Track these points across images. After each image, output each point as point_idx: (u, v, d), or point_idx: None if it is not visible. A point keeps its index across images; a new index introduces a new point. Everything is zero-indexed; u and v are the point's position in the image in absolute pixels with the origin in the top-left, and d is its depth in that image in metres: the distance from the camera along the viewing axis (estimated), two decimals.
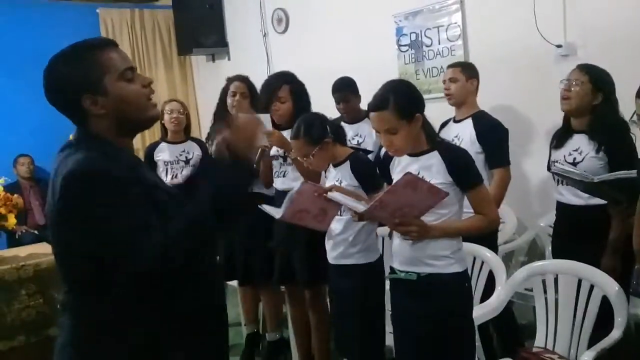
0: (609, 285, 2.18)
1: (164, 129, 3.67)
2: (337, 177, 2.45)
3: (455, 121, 3.09)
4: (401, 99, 1.94)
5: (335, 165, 2.49)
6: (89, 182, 1.23)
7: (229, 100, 3.28)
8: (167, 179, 3.57)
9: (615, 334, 2.10)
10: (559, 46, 3.26)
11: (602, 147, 2.45)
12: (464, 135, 2.98)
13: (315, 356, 2.95)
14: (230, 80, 3.33)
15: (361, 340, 2.42)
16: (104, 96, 1.32)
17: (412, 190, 1.80)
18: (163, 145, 3.67)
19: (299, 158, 2.52)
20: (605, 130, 2.46)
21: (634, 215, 1.93)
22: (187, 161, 3.64)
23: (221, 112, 3.39)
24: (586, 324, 2.25)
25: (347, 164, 2.45)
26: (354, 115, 3.62)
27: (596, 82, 2.49)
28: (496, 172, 2.91)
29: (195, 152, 3.68)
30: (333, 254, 2.48)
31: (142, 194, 1.28)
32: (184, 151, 3.66)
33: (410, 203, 1.84)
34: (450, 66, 3.15)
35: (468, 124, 3.00)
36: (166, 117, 3.63)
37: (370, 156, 3.11)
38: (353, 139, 3.59)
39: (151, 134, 4.58)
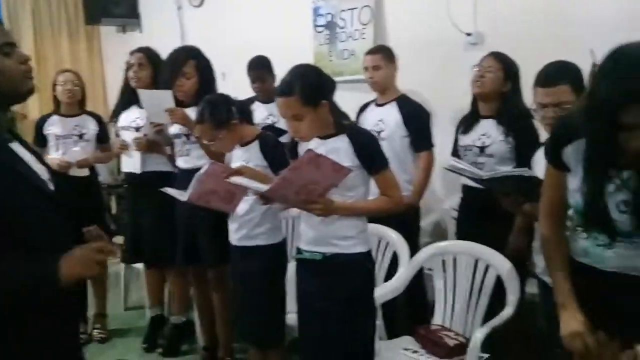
0: (502, 266, 2.27)
1: (56, 101, 3.43)
2: (245, 158, 2.39)
3: (378, 105, 3.10)
4: (307, 86, 1.92)
5: (242, 145, 2.43)
6: None
7: (129, 74, 3.12)
8: (58, 154, 3.33)
9: (507, 312, 2.19)
10: (468, 34, 3.36)
11: (510, 133, 2.56)
12: (389, 119, 3.00)
13: (219, 338, 2.90)
14: (132, 53, 3.16)
15: (261, 322, 2.40)
16: None
17: (315, 168, 1.78)
18: (55, 118, 3.40)
19: (205, 142, 2.44)
20: (513, 117, 2.57)
21: (523, 206, 2.03)
22: (80, 136, 3.41)
23: (127, 88, 3.23)
24: (481, 302, 2.34)
25: (256, 144, 2.40)
26: (269, 94, 3.55)
27: (507, 70, 2.60)
28: (422, 155, 2.97)
29: (90, 127, 3.44)
30: (237, 235, 2.43)
31: None
32: (77, 125, 3.40)
33: (314, 180, 1.82)
34: (370, 53, 3.12)
35: (392, 107, 3.02)
36: (59, 88, 3.37)
37: (285, 136, 3.07)
38: (267, 118, 3.55)
39: (45, 105, 4.27)
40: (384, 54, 3.05)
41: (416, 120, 2.98)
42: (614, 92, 1.24)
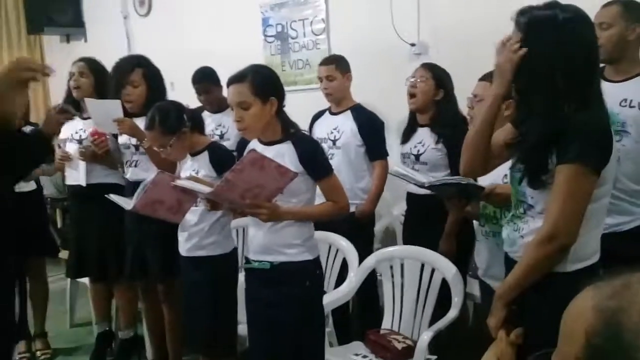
0: (447, 269, 2.33)
1: None
2: (194, 167, 2.37)
3: (332, 113, 3.13)
4: (259, 77, 1.96)
5: (193, 155, 2.41)
6: None
7: (70, 84, 3.04)
8: None
9: (452, 313, 2.25)
10: (412, 45, 3.45)
11: (441, 139, 2.64)
12: (344, 128, 3.04)
13: (169, 353, 2.85)
14: (73, 63, 3.10)
15: (212, 333, 2.37)
16: None
17: (259, 169, 1.78)
18: None
19: (155, 148, 2.41)
20: (445, 124, 2.65)
21: (465, 208, 2.11)
22: None
23: (69, 100, 3.14)
24: (427, 305, 2.39)
25: (206, 154, 2.38)
26: (217, 105, 3.54)
27: (438, 79, 2.69)
28: (377, 164, 3.01)
29: None
30: (187, 246, 2.40)
31: None
32: None
33: (259, 183, 1.82)
34: (324, 64, 3.13)
35: (347, 117, 3.05)
36: None
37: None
38: (216, 129, 3.53)
39: None
40: (337, 64, 3.08)
41: (371, 129, 3.02)
42: None
